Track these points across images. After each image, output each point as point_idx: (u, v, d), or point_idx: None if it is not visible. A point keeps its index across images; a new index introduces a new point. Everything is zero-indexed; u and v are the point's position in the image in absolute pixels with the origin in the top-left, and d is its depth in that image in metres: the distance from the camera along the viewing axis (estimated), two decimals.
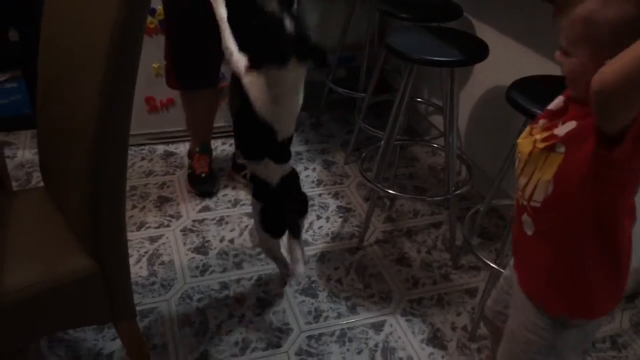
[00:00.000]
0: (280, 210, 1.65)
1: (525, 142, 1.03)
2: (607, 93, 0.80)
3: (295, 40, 1.38)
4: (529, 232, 1.05)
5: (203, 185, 2.28)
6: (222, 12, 1.43)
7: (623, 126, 0.85)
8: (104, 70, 1.09)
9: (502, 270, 1.72)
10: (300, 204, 1.73)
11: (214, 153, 2.42)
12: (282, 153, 1.59)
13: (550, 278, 1.07)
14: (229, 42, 1.43)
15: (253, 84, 1.42)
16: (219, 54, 1.47)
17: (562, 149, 0.96)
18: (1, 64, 2.50)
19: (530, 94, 1.53)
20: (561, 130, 0.97)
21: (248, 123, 1.51)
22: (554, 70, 1.87)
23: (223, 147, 2.62)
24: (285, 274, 1.87)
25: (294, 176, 1.66)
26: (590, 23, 0.88)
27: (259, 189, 1.63)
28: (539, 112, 1.46)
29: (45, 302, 1.22)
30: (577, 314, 1.07)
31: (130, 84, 1.14)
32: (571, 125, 0.95)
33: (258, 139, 1.55)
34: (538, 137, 1.01)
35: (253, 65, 1.40)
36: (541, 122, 1.04)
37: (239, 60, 1.42)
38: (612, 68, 0.78)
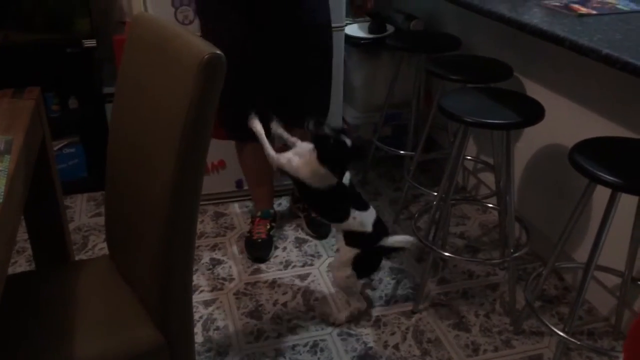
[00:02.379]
0: (376, 254, 1.94)
1: None
2: None
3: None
4: None
5: (258, 251, 2.28)
6: (259, 128, 1.91)
7: None
8: (179, 145, 1.10)
9: (570, 338, 1.65)
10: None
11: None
12: (359, 198, 1.92)
13: None
14: (269, 150, 1.90)
15: (300, 168, 1.84)
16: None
17: None
18: (61, 130, 2.60)
19: (595, 156, 1.50)
20: None
21: (315, 194, 1.85)
22: (614, 131, 1.85)
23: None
24: (357, 308, 1.98)
25: (381, 221, 1.93)
26: None
27: (355, 240, 1.88)
28: (604, 176, 1.43)
29: None
30: None
31: (203, 155, 1.16)
32: None
33: (332, 196, 1.85)
34: None
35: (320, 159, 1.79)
36: None
37: (275, 158, 1.89)
38: None
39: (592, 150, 1.55)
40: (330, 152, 1.77)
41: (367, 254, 1.90)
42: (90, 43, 2.45)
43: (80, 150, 2.67)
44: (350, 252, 1.88)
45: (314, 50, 2.09)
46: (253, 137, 2.19)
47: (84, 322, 1.27)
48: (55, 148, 2.58)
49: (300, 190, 1.93)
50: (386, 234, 1.93)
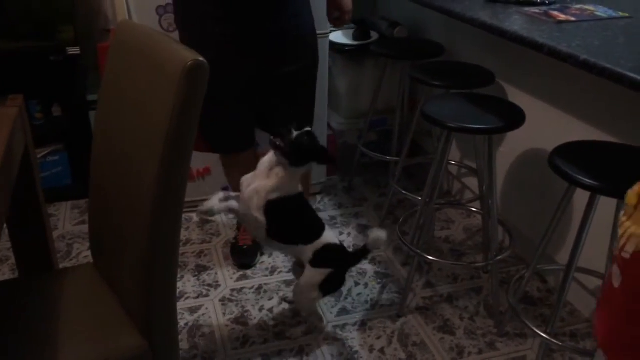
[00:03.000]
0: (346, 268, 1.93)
1: (632, 194, 1.01)
2: None
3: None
4: (616, 284, 1.03)
5: (243, 257, 2.28)
6: (234, 205, 1.76)
7: None
8: (163, 151, 1.11)
9: (553, 340, 1.68)
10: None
11: None
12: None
13: (623, 334, 1.03)
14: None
15: (258, 184, 1.72)
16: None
17: None
18: (45, 138, 2.58)
19: (574, 160, 1.53)
20: None
21: (286, 215, 1.77)
22: (593, 135, 1.89)
23: None
24: (318, 326, 1.98)
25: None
26: None
27: (330, 256, 1.84)
28: (583, 179, 1.46)
29: None
30: None
31: (187, 161, 1.17)
32: None
33: (302, 211, 1.82)
34: None
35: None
36: None
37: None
38: None
39: (571, 154, 1.57)
40: (294, 144, 1.67)
41: (340, 269, 1.86)
42: (74, 51, 2.44)
43: (64, 158, 2.66)
44: (319, 275, 1.81)
45: (298, 58, 2.08)
46: (237, 148, 2.19)
47: (68, 330, 1.27)
48: (39, 156, 2.57)
49: (272, 224, 1.74)
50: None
